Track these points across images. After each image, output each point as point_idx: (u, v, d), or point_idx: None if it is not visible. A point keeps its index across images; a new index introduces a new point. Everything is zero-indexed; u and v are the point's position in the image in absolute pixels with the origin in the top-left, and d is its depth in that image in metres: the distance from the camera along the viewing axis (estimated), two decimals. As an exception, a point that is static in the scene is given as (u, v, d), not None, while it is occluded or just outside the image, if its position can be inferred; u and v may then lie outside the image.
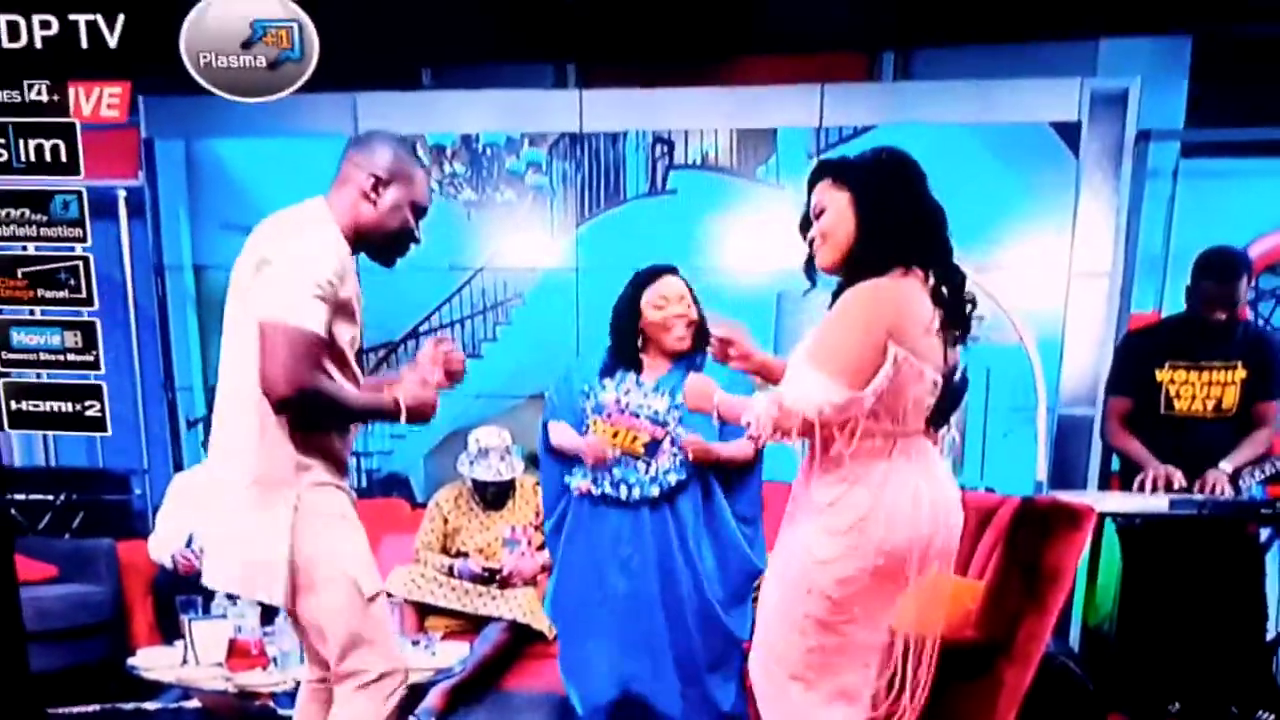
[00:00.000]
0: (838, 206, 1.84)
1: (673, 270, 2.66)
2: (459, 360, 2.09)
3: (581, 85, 4.51)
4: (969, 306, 1.83)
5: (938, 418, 1.84)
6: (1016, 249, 4.17)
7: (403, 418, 1.96)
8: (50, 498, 4.13)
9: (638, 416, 2.58)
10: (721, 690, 2.62)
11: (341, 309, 1.90)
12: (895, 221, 1.78)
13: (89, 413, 2.26)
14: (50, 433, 4.13)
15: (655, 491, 2.56)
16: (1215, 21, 3.92)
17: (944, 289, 1.78)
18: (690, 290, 2.64)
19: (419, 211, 2.03)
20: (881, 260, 1.78)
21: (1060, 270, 4.15)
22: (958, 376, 1.85)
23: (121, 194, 4.47)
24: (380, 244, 2.00)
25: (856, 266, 1.81)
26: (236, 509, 1.90)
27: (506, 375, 4.53)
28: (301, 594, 1.91)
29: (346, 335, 1.94)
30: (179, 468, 4.43)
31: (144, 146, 4.49)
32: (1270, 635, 3.27)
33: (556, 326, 4.42)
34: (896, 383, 1.74)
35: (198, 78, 2.08)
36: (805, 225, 1.93)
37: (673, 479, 2.57)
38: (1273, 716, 3.25)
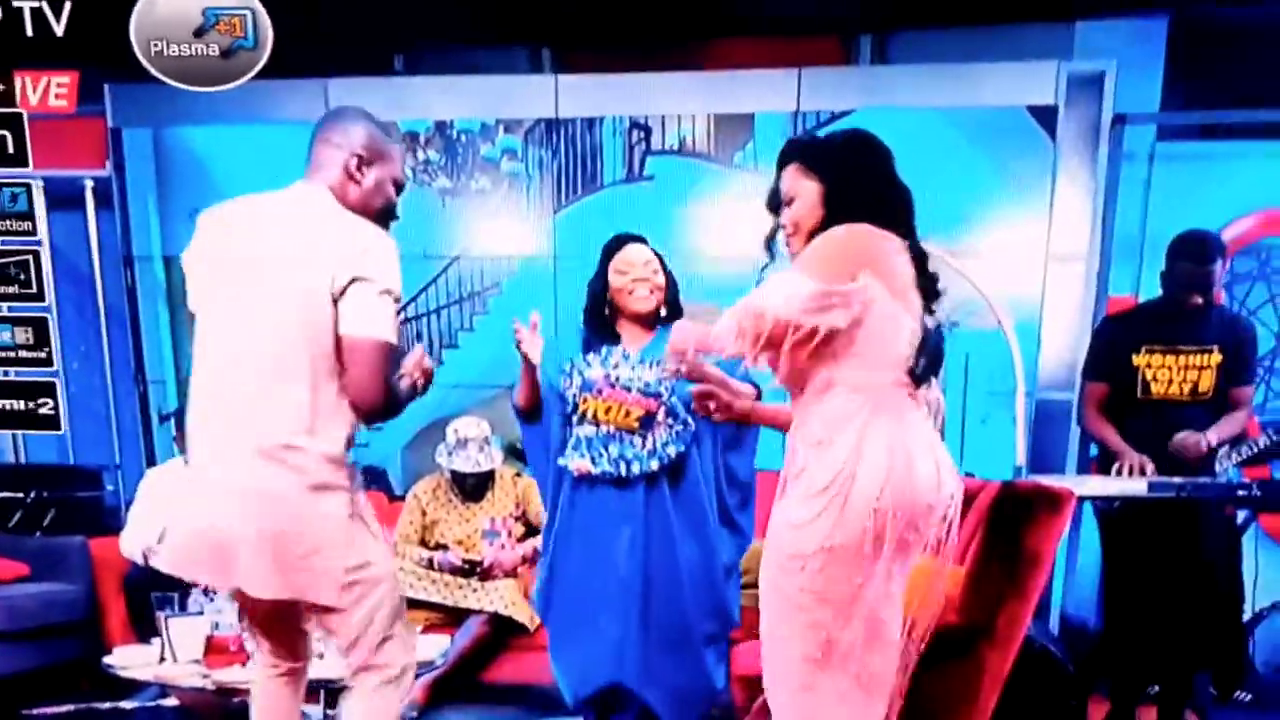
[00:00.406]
0: (809, 200, 1.83)
1: (639, 239, 2.62)
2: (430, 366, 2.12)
3: (557, 70, 4.47)
4: (935, 277, 1.82)
5: (918, 373, 1.81)
6: (994, 233, 4.18)
7: (418, 392, 2.03)
8: (20, 495, 4.06)
9: (629, 390, 2.51)
10: (715, 670, 2.58)
11: None
12: (867, 207, 1.77)
13: (42, 410, 2.21)
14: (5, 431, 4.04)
15: (655, 465, 2.48)
16: (1190, 3, 3.93)
17: (914, 251, 1.78)
18: (660, 259, 2.59)
19: (399, 187, 2.03)
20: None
21: (1037, 254, 4.16)
22: (934, 332, 1.83)
23: (88, 184, 4.39)
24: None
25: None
26: (279, 515, 1.82)
27: (484, 365, 4.49)
28: (348, 591, 1.88)
29: None
30: (152, 462, 4.38)
31: (111, 135, 4.39)
32: (1247, 616, 3.31)
33: (534, 315, 4.40)
34: (872, 317, 1.70)
35: (149, 66, 2.02)
36: (773, 202, 1.90)
37: (672, 451, 2.48)
38: (1250, 697, 3.29)
